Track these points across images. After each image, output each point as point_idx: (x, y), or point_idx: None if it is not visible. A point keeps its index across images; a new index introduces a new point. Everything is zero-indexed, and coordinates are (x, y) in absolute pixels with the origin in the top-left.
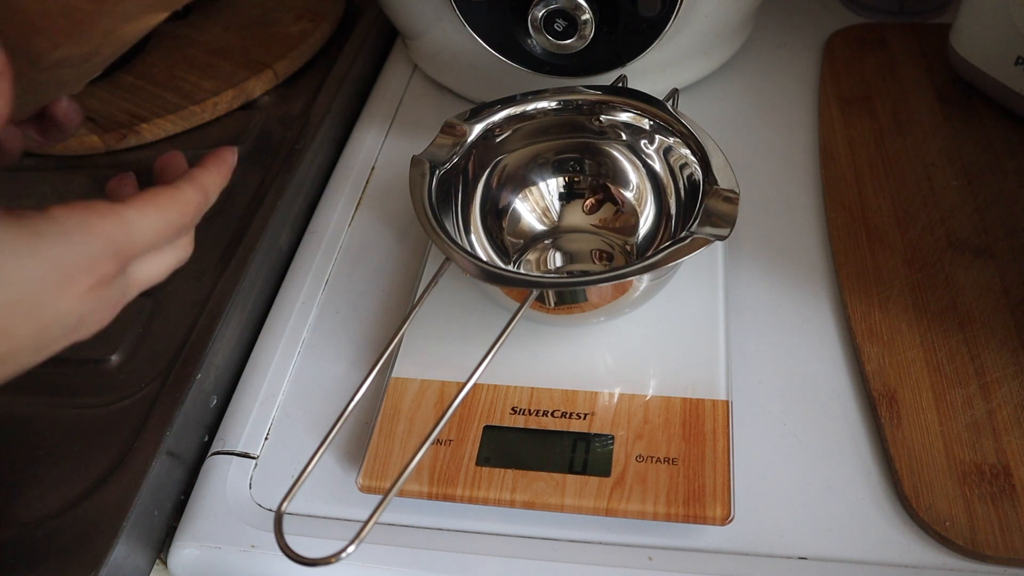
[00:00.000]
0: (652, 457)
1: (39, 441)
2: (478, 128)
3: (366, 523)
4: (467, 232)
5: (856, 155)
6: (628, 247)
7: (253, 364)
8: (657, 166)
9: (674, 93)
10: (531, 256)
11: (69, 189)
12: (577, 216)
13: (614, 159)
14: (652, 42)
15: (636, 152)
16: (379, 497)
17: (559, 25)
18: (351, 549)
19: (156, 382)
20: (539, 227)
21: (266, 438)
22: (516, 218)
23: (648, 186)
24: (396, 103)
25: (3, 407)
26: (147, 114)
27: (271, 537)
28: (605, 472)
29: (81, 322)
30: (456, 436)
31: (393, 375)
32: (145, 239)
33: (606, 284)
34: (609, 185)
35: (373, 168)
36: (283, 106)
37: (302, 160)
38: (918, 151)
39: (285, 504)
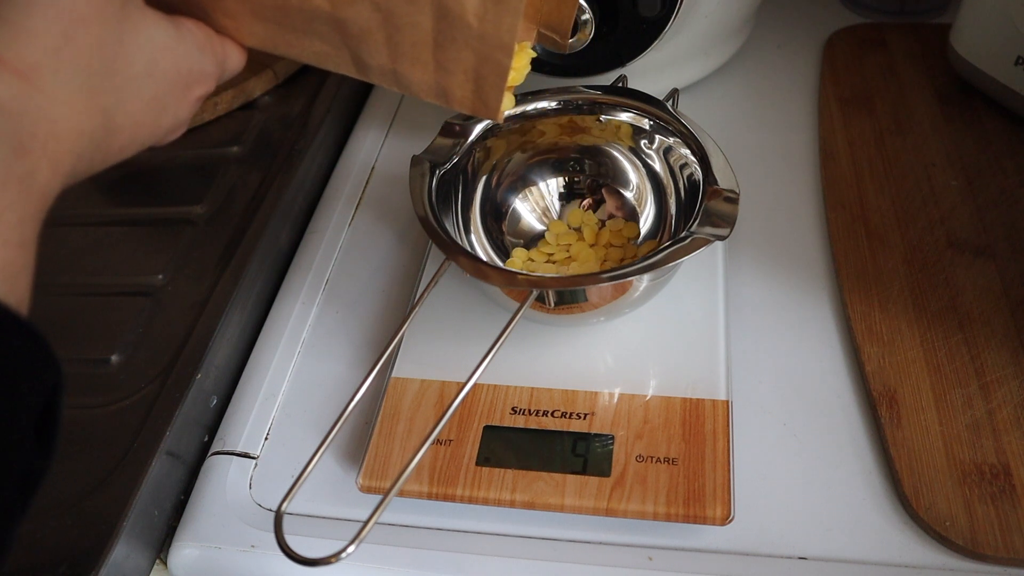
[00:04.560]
0: (652, 457)
1: None
2: (478, 128)
3: (366, 523)
4: (467, 232)
5: (856, 155)
6: None
7: (253, 364)
8: (657, 166)
9: (674, 93)
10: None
11: (68, 189)
12: (577, 216)
13: (614, 159)
14: (652, 42)
15: (636, 152)
16: (379, 497)
17: None
18: (351, 549)
19: (156, 382)
20: (539, 227)
21: (266, 438)
22: (516, 218)
23: (648, 186)
24: (396, 103)
25: None
26: None
27: (271, 537)
28: (605, 472)
29: (176, 128)
30: (456, 436)
31: (393, 375)
32: (228, 72)
33: (606, 284)
34: (609, 185)
35: (373, 168)
36: (283, 106)
37: (302, 160)
38: (918, 151)
39: (285, 504)
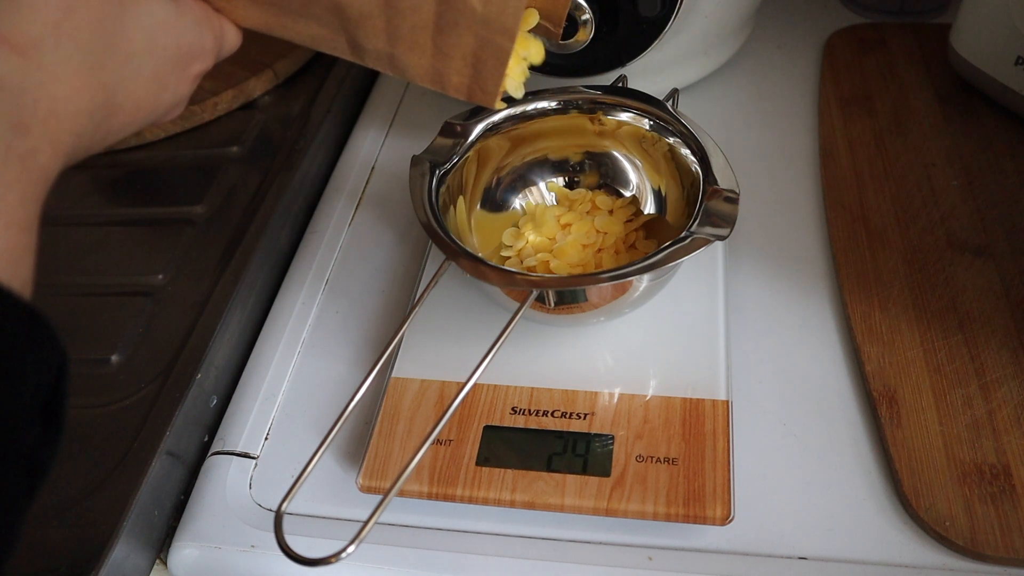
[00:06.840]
0: (652, 457)
1: None
2: (478, 128)
3: (366, 523)
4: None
5: (856, 155)
6: None
7: (253, 364)
8: None
9: (674, 93)
10: None
11: (68, 189)
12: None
13: (614, 159)
14: (652, 42)
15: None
16: (379, 497)
17: None
18: (351, 549)
19: (156, 382)
20: None
21: (266, 438)
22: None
23: (648, 186)
24: (396, 103)
25: None
26: None
27: (271, 537)
28: (605, 472)
29: (175, 106)
30: (456, 436)
31: (393, 375)
32: (226, 50)
33: (606, 284)
34: (609, 185)
35: (373, 168)
36: (283, 106)
37: (302, 160)
38: (918, 151)
39: (285, 504)
